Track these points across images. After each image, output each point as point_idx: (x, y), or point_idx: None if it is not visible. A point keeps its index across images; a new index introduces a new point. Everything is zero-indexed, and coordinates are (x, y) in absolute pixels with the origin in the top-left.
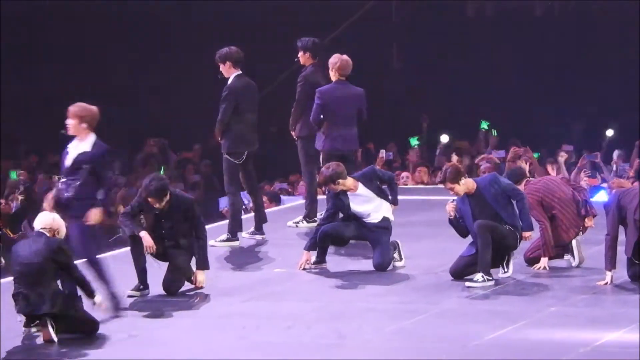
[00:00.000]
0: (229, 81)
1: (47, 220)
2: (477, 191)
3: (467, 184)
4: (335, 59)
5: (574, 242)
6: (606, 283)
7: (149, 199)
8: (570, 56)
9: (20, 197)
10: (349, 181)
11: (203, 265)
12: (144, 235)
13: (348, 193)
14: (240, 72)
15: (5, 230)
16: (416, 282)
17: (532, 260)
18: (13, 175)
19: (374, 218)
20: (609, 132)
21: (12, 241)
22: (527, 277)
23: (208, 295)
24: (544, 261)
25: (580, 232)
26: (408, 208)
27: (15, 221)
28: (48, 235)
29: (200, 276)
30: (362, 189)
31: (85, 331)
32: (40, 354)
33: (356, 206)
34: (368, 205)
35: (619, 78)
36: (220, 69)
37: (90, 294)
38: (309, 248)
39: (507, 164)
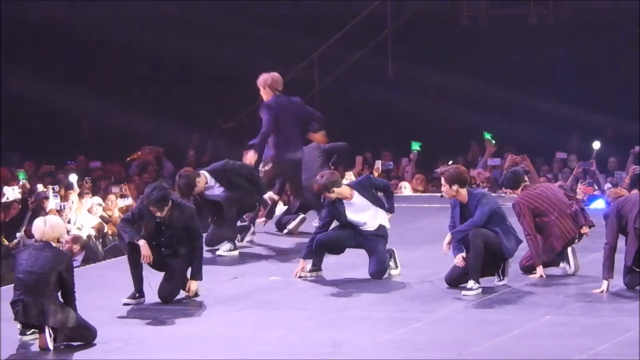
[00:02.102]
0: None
1: (44, 229)
2: (468, 203)
3: (458, 192)
4: (265, 77)
5: (569, 250)
6: (602, 291)
7: (151, 208)
8: (565, 64)
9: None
10: (344, 189)
11: (197, 276)
12: (143, 244)
13: (344, 201)
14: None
15: (1, 238)
16: (411, 291)
17: (527, 269)
18: (22, 176)
19: (370, 226)
20: (596, 145)
21: (8, 249)
22: (523, 285)
23: (203, 304)
24: (539, 270)
25: (576, 240)
26: (404, 216)
27: (12, 229)
28: (54, 245)
29: (193, 286)
30: (357, 197)
31: (84, 339)
32: None
33: (352, 214)
34: (364, 213)
35: (615, 85)
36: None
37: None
38: (305, 256)
39: (504, 172)
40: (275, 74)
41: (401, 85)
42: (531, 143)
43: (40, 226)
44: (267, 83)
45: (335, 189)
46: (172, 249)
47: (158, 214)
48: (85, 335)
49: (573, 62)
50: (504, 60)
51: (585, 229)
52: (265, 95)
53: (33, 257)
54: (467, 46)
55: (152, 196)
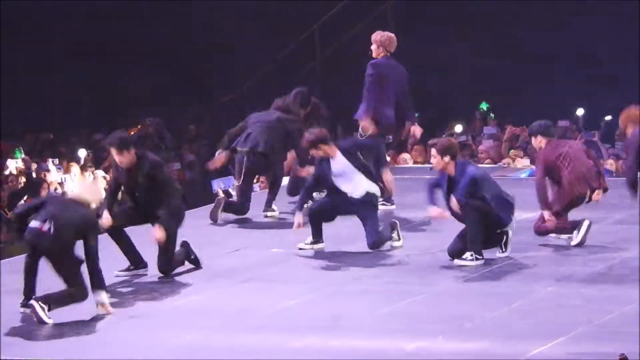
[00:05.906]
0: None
1: (84, 185)
2: (456, 175)
3: (447, 164)
4: (382, 34)
5: (585, 222)
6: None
7: (112, 151)
8: (567, 37)
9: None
10: (331, 148)
11: (164, 222)
12: (104, 214)
13: (330, 161)
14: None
15: (3, 210)
16: (412, 263)
17: (542, 232)
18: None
19: (356, 193)
20: (608, 117)
21: (9, 221)
22: (524, 257)
23: (204, 277)
24: (546, 215)
25: (586, 200)
26: (405, 188)
27: (13, 202)
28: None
29: (158, 233)
30: (340, 157)
31: (73, 297)
32: (35, 336)
33: (335, 178)
34: (346, 177)
35: (618, 57)
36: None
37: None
38: (299, 208)
39: (504, 144)
40: (392, 35)
41: (402, 56)
42: (535, 115)
43: (80, 184)
44: (382, 42)
45: (322, 146)
46: (151, 202)
47: (118, 159)
48: (76, 293)
49: (575, 35)
50: (506, 33)
51: (597, 194)
52: (376, 52)
53: (62, 208)
54: (468, 17)
55: (113, 136)
